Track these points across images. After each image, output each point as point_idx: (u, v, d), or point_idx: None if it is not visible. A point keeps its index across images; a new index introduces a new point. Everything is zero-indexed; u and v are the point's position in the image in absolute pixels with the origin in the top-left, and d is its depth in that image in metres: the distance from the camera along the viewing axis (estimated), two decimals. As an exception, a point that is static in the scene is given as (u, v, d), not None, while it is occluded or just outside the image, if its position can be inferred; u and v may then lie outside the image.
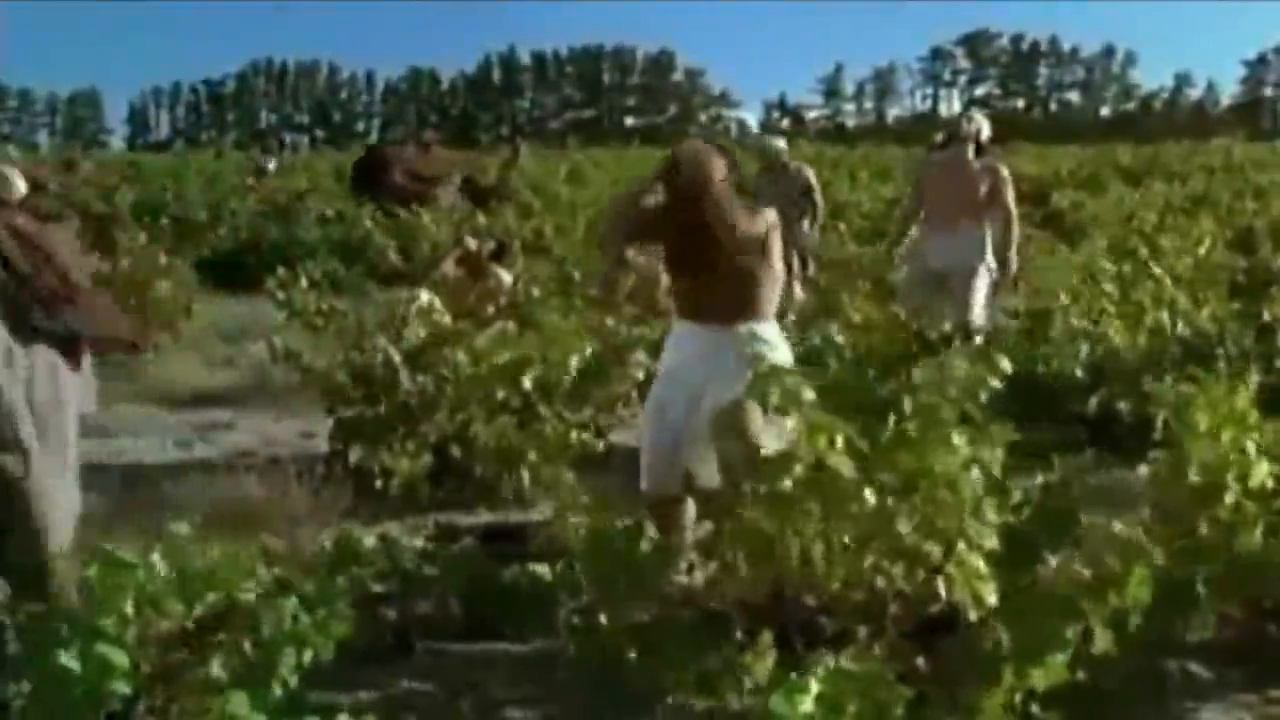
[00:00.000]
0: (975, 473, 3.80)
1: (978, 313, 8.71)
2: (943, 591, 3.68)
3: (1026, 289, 9.46)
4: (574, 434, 6.91)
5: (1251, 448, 4.20)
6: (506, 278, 10.11)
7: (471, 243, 10.68)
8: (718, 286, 5.07)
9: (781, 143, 12.34)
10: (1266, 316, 7.84)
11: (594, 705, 4.34)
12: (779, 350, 5.11)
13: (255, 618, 3.46)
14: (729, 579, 4.03)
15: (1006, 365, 4.09)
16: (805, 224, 11.30)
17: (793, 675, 3.09)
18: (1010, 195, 8.95)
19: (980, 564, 3.67)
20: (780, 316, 5.47)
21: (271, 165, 31.74)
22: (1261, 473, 4.19)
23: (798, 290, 8.54)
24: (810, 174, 12.01)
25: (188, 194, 20.94)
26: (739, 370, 4.58)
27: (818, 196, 11.72)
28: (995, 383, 4.00)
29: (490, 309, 9.44)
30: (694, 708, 3.64)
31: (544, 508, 6.15)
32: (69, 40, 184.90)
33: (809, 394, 3.98)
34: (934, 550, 3.68)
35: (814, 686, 3.00)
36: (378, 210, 17.96)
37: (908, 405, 3.86)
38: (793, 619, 3.84)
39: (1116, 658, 3.68)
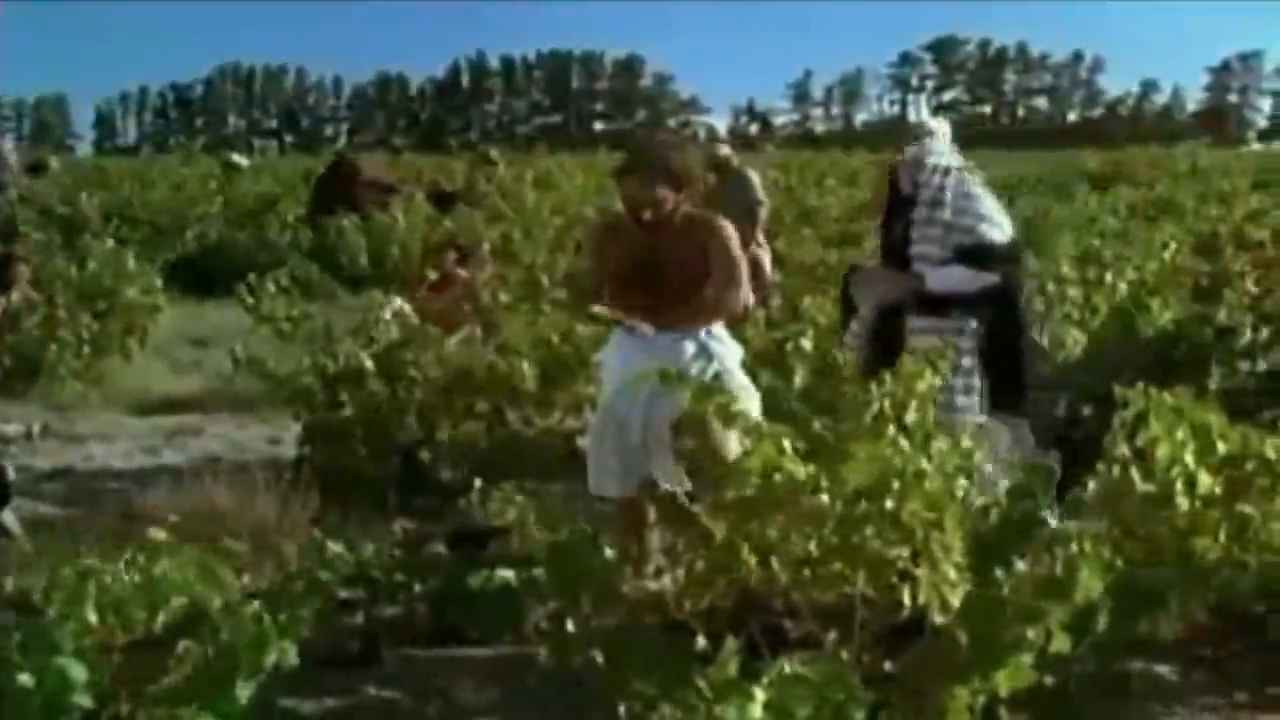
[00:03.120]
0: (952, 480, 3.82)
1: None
2: (907, 598, 3.69)
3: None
4: (541, 438, 6.92)
5: (1190, 458, 4.22)
6: (463, 275, 10.06)
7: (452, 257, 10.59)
8: (669, 294, 5.07)
9: (725, 149, 11.19)
10: (1224, 318, 7.88)
11: (561, 711, 4.34)
12: (731, 354, 5.14)
13: (217, 624, 3.44)
14: (694, 585, 4.04)
15: (942, 374, 4.14)
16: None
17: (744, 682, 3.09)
18: None
19: (949, 570, 3.69)
20: (737, 322, 5.48)
21: (245, 162, 30.70)
22: (1205, 482, 4.22)
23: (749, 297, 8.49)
24: (754, 177, 11.00)
25: (155, 198, 20.80)
26: (695, 374, 4.63)
27: (760, 207, 10.82)
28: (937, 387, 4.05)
29: (457, 315, 9.41)
30: (657, 714, 3.64)
31: (510, 513, 6.13)
32: (35, 44, 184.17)
33: (751, 405, 4.00)
34: (901, 556, 3.69)
35: (760, 694, 3.00)
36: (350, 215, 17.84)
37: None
38: (759, 625, 3.85)
39: (1082, 660, 3.70)
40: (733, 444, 4.13)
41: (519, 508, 4.32)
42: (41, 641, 3.26)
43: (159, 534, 3.83)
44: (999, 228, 5.79)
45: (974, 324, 5.65)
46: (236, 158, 31.02)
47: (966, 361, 5.59)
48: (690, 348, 5.04)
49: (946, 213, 5.71)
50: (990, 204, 5.85)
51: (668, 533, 4.57)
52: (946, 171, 5.80)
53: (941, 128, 9.21)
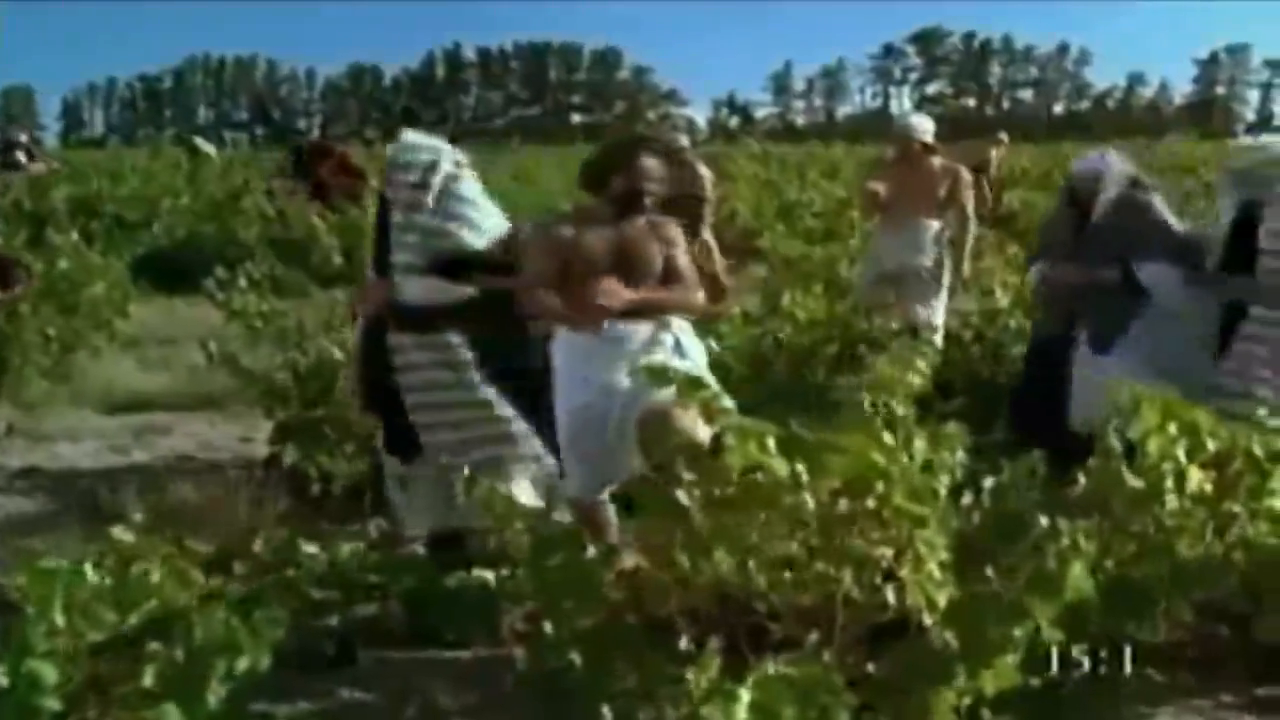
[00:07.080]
0: (935, 477, 3.79)
1: (931, 312, 8.72)
2: (891, 598, 3.64)
3: (977, 290, 9.48)
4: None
5: (1182, 454, 4.19)
6: None
7: None
8: (640, 282, 5.02)
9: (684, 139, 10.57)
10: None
11: (539, 713, 4.28)
12: (701, 352, 5.12)
13: (188, 626, 3.38)
14: (674, 585, 3.98)
15: (925, 366, 4.11)
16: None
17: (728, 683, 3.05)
18: (968, 197, 8.98)
19: (934, 569, 3.64)
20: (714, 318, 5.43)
21: (212, 149, 29.42)
22: (1195, 478, 4.19)
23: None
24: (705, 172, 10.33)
25: (122, 192, 20.59)
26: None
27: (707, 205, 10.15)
28: (920, 382, 4.01)
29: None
30: (638, 716, 3.59)
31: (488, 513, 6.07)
32: (1, 35, 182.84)
33: (728, 402, 3.97)
34: (885, 556, 3.64)
35: (744, 696, 2.96)
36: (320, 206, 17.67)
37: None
38: (740, 625, 3.79)
39: (1067, 661, 3.66)
40: (704, 433, 4.08)
41: (499, 505, 4.27)
42: (13, 644, 3.20)
43: (125, 535, 3.77)
44: (479, 231, 5.52)
45: (462, 341, 5.45)
46: (201, 142, 30.28)
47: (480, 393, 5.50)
48: (669, 341, 4.98)
49: (424, 217, 5.46)
50: (479, 206, 5.58)
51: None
52: (431, 168, 5.53)
53: (924, 123, 9.20)
